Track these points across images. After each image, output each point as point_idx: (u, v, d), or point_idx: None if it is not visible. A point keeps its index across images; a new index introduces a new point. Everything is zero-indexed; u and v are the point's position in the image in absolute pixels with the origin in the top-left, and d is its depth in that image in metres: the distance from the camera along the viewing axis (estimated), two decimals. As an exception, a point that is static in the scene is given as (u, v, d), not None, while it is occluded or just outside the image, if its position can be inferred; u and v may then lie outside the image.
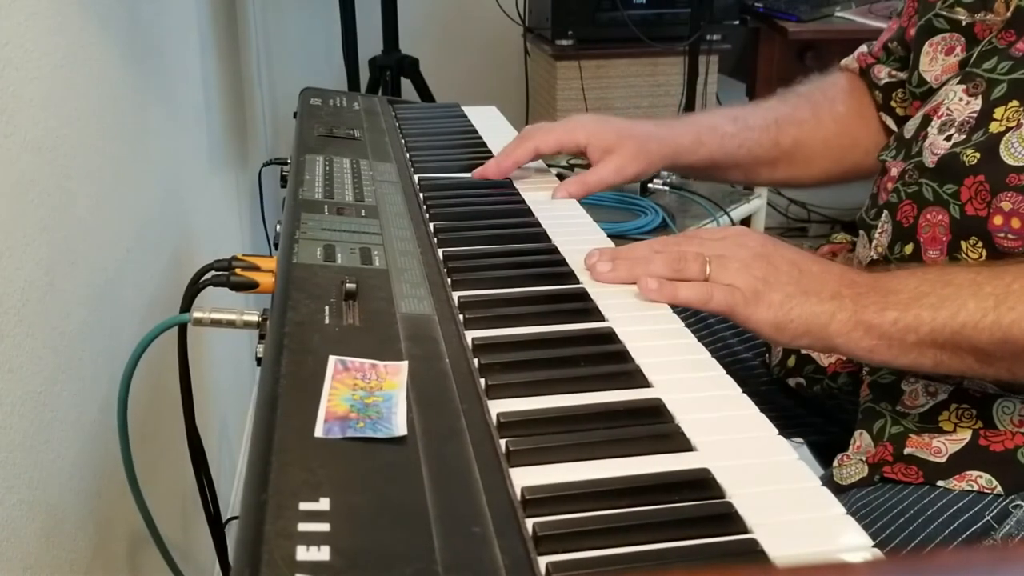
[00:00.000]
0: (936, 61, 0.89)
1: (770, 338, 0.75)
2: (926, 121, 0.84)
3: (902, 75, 0.98)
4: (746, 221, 1.98)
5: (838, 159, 1.04)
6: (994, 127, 0.76)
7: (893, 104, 1.01)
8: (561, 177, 1.03)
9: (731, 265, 0.74)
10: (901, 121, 0.95)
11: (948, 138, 0.79)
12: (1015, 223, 0.73)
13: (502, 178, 1.00)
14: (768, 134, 1.04)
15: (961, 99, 0.80)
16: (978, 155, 0.76)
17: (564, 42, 2.36)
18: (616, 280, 0.76)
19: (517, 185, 1.00)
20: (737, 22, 2.42)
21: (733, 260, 0.75)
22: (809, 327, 0.72)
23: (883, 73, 1.01)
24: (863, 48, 1.06)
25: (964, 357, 0.70)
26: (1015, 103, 0.76)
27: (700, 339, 0.69)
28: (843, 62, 1.08)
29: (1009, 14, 0.80)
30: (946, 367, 0.72)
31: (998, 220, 0.74)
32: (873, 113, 1.03)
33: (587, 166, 1.02)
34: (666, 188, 1.85)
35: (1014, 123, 0.75)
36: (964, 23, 0.85)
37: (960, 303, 0.69)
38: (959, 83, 0.82)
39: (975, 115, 0.78)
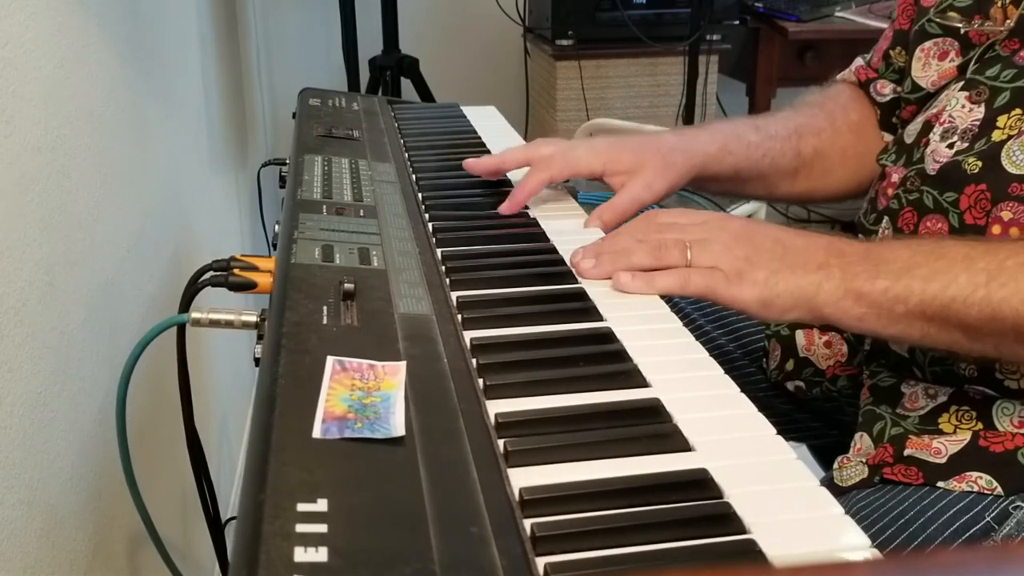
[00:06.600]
0: (929, 67, 0.88)
1: (758, 315, 0.75)
2: (927, 127, 0.83)
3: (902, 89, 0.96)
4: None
5: (856, 169, 1.01)
6: (996, 135, 0.76)
7: (894, 121, 0.98)
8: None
9: (712, 247, 0.74)
10: None
11: (950, 146, 0.79)
12: (1014, 233, 0.73)
13: (516, 212, 0.92)
14: (790, 143, 1.00)
15: (964, 106, 0.80)
16: (980, 163, 0.75)
17: (564, 42, 2.36)
18: (601, 275, 0.76)
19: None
20: (737, 22, 2.42)
21: (714, 243, 0.75)
22: (797, 300, 0.72)
23: (887, 89, 0.99)
24: (859, 61, 1.04)
25: (952, 331, 0.69)
26: (1018, 111, 0.75)
27: (695, 344, 0.68)
28: (840, 76, 1.06)
29: (1012, 23, 0.80)
30: (933, 340, 0.71)
31: (996, 229, 0.74)
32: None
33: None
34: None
35: (1016, 131, 0.74)
36: (962, 31, 0.85)
37: (952, 277, 0.68)
38: (961, 90, 0.81)
39: (978, 123, 0.78)
